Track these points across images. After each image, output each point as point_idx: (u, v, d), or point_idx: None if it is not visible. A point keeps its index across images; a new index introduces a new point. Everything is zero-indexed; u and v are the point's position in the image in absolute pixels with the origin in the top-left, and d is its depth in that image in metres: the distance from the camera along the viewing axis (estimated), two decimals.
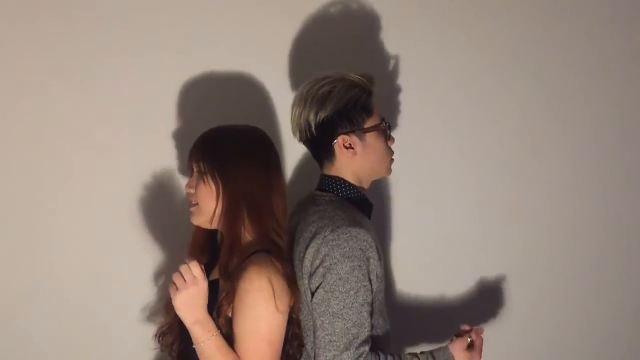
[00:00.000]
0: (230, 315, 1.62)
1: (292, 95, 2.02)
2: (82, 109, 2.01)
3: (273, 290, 1.59)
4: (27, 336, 2.05)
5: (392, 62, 2.10)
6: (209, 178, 1.67)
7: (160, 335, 1.81)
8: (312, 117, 1.74)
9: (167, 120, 2.06)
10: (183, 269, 1.61)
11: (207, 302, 1.61)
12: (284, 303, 1.62)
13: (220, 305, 1.62)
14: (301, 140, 1.81)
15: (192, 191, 1.70)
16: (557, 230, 2.24)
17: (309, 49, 2.08)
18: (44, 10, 1.97)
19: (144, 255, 2.08)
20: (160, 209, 2.08)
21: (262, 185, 1.68)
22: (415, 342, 2.19)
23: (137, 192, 2.07)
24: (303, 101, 1.75)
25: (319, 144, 1.78)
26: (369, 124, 1.76)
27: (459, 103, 2.16)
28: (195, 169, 1.70)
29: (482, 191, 2.20)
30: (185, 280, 1.59)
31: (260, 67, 2.08)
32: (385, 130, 1.78)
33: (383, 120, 1.79)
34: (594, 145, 2.23)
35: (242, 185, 1.66)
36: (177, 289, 1.60)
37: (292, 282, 1.65)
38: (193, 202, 1.71)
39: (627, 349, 2.31)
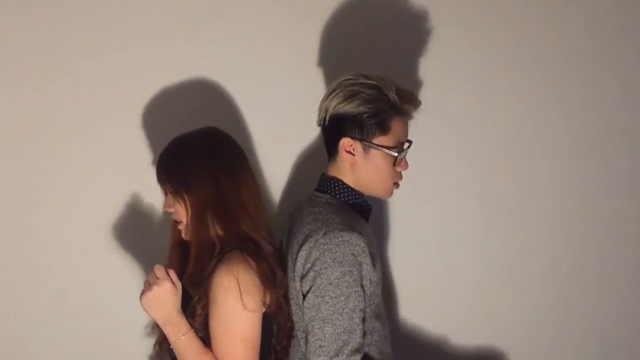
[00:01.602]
0: (203, 316, 1.64)
1: (290, 94, 2.07)
2: (80, 109, 2.02)
3: (241, 288, 1.59)
4: (25, 343, 2.07)
5: (390, 62, 2.08)
6: (178, 196, 1.69)
7: (159, 343, 1.82)
8: (331, 106, 1.75)
9: (166, 120, 2.05)
10: (149, 274, 1.66)
11: (177, 302, 1.63)
12: (255, 300, 1.61)
13: (194, 310, 1.64)
14: (318, 123, 1.81)
15: (171, 210, 1.73)
16: (558, 230, 2.21)
17: (308, 49, 2.08)
18: (42, 10, 1.97)
19: (145, 263, 2.08)
20: (160, 208, 2.07)
21: (226, 184, 1.68)
22: (414, 344, 2.18)
23: (136, 194, 2.07)
24: (333, 88, 1.75)
25: (328, 135, 1.79)
26: (379, 140, 1.73)
27: (458, 102, 2.13)
28: (168, 190, 1.73)
29: (481, 191, 2.17)
30: (150, 283, 1.64)
31: (256, 69, 2.07)
32: (393, 156, 1.74)
33: (401, 144, 1.75)
34: (596, 144, 2.19)
35: (205, 192, 1.67)
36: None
37: (265, 278, 1.64)
38: (178, 220, 1.73)
39: (628, 349, 2.27)
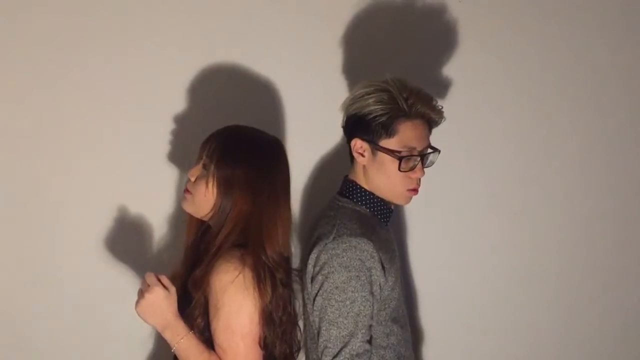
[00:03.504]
0: (203, 324, 1.65)
1: (298, 95, 2.08)
2: (82, 107, 2.02)
3: (239, 284, 1.59)
4: (26, 336, 2.08)
5: (400, 63, 2.07)
6: (213, 185, 1.66)
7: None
8: (345, 107, 1.78)
9: (169, 118, 2.06)
10: (141, 283, 1.64)
11: (172, 306, 1.62)
12: (253, 297, 1.61)
13: (192, 316, 1.65)
14: (341, 125, 1.82)
15: (193, 179, 1.69)
16: (568, 233, 2.20)
17: (317, 50, 2.08)
18: (45, 7, 1.97)
19: (144, 255, 2.09)
20: (165, 208, 2.09)
21: (266, 211, 1.67)
22: (435, 346, 2.19)
23: (140, 193, 2.07)
24: (353, 91, 1.77)
25: (346, 136, 1.81)
26: (385, 143, 1.73)
27: (468, 105, 2.12)
28: (204, 162, 1.68)
29: (491, 194, 2.17)
30: (142, 291, 1.63)
31: (264, 66, 2.07)
32: (398, 159, 1.71)
33: (411, 150, 1.72)
34: (605, 148, 2.17)
35: (245, 208, 1.65)
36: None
37: (259, 279, 1.62)
38: (189, 190, 1.70)
39: (637, 353, 2.27)
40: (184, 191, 1.72)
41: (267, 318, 1.64)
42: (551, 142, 2.17)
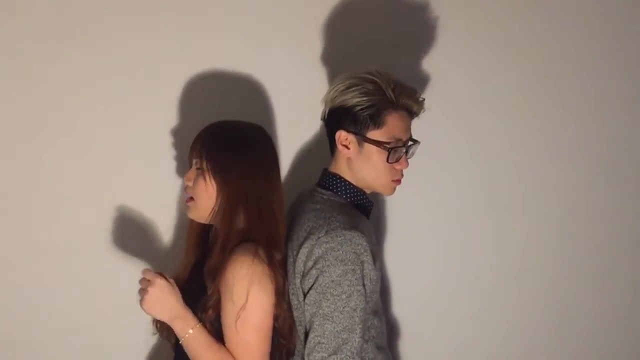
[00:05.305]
0: (214, 315, 1.65)
1: (292, 93, 2.08)
2: (81, 106, 2.01)
3: (255, 278, 1.60)
4: (25, 336, 2.08)
5: (393, 60, 2.07)
6: (210, 177, 1.67)
7: (157, 322, 1.79)
8: (329, 99, 1.77)
9: (167, 118, 2.05)
10: (140, 281, 1.65)
11: (177, 296, 1.64)
12: (268, 290, 1.63)
13: (205, 307, 1.65)
14: (321, 118, 1.82)
15: (190, 184, 1.71)
16: (558, 230, 2.21)
17: (315, 49, 2.08)
18: (45, 4, 1.97)
19: (145, 254, 2.09)
20: (163, 208, 2.09)
21: (263, 189, 1.69)
22: (409, 340, 2.19)
23: (137, 193, 2.06)
24: (336, 83, 1.76)
25: (328, 129, 1.81)
26: (372, 135, 1.73)
27: (459, 99, 2.13)
28: (196, 164, 1.70)
29: (481, 188, 2.17)
30: (143, 288, 1.64)
31: (262, 65, 2.07)
32: (387, 151, 1.72)
33: (398, 141, 1.73)
34: (598, 142, 2.18)
35: (242, 191, 1.67)
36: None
37: (276, 273, 1.64)
38: (189, 195, 1.72)
39: (632, 349, 2.28)
40: (186, 200, 1.73)
41: (280, 300, 1.66)
42: (543, 136, 2.16)
